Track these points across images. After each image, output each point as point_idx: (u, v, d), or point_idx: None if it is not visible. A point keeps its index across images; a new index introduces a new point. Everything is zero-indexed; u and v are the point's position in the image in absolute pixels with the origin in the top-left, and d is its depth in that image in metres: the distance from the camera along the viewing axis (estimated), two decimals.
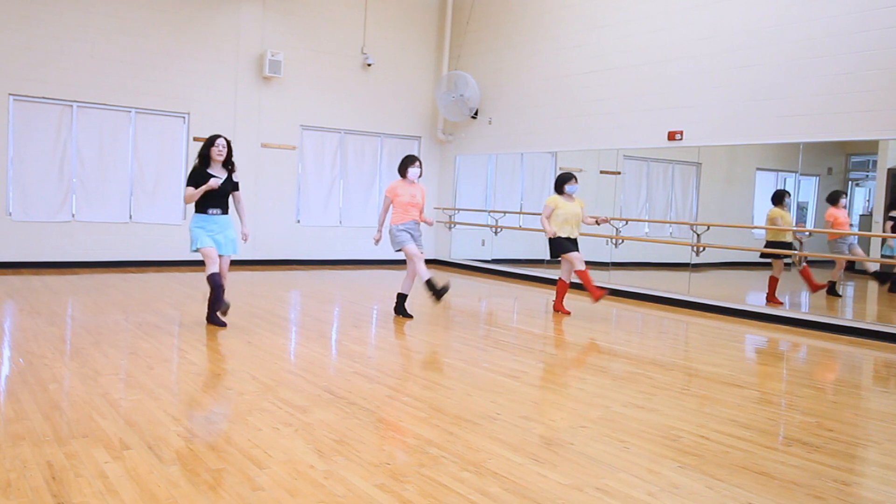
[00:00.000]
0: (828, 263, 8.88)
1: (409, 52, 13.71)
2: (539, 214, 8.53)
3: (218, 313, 6.76)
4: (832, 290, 8.93)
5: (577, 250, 8.26)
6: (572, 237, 8.25)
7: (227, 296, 6.77)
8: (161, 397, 4.46)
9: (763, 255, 8.94)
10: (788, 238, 8.81)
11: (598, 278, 10.84)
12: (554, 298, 8.74)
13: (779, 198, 8.88)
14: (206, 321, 6.88)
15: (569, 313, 8.42)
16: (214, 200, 6.64)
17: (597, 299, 8.16)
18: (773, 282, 8.85)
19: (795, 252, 8.75)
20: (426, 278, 7.48)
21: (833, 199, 8.65)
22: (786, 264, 8.87)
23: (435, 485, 3.27)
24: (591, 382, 5.38)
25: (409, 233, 7.57)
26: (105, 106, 11.10)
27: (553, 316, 8.40)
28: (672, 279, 9.77)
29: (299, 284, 10.56)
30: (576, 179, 8.29)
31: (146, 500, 2.98)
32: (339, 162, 13.24)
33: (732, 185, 10.57)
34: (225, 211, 6.73)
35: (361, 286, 10.64)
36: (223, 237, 6.68)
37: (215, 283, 6.59)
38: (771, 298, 8.86)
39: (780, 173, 9.68)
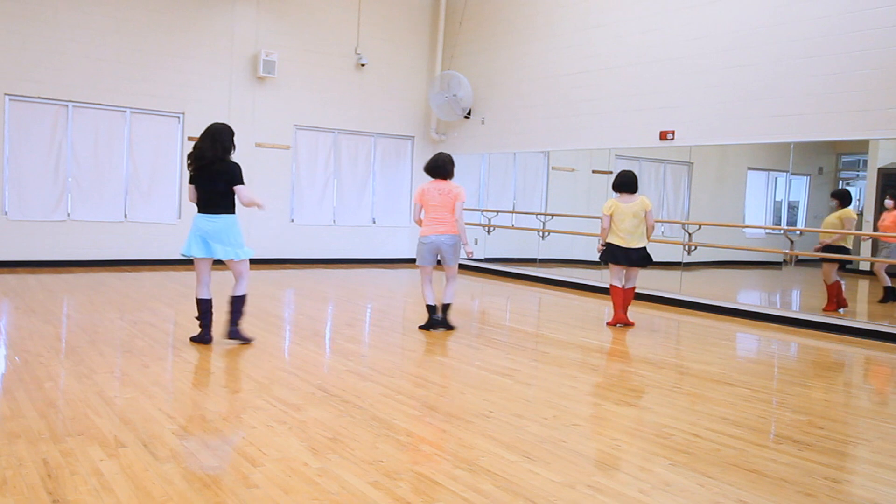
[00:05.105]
0: (819, 263, 8.89)
1: (403, 52, 13.73)
2: (532, 214, 8.34)
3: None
4: (893, 295, 8.26)
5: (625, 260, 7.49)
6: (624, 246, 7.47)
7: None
8: (156, 395, 4.48)
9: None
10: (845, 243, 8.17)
11: (591, 277, 10.92)
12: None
13: (840, 197, 8.25)
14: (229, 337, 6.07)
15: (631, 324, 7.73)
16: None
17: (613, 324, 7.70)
18: (832, 289, 8.22)
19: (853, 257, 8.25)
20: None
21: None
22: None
23: (428, 482, 3.29)
24: (582, 381, 5.42)
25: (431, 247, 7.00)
26: (100, 106, 11.08)
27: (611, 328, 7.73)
28: (664, 278, 9.80)
29: (293, 283, 10.57)
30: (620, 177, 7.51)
31: (141, 498, 3.00)
32: (333, 161, 13.24)
33: (724, 185, 10.62)
34: None
35: (355, 285, 10.65)
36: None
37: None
38: (841, 305, 8.24)
39: (771, 173, 9.73)
